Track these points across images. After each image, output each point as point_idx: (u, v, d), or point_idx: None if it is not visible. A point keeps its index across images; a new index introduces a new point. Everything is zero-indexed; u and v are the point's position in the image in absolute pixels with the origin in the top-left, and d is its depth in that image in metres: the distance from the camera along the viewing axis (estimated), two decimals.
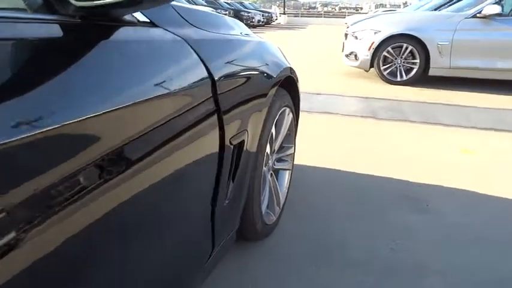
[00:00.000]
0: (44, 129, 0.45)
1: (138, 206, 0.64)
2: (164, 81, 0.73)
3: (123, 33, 0.71)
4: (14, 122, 0.42)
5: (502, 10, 4.44)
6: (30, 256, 0.44)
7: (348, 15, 19.26)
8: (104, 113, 0.54)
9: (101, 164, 0.53)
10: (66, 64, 0.55)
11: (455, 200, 1.93)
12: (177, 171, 0.76)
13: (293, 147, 1.74)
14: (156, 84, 0.70)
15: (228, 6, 17.83)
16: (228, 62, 1.03)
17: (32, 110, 0.45)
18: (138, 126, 0.62)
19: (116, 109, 0.56)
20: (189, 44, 0.88)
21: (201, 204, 0.93)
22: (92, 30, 0.67)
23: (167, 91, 0.72)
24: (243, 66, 1.13)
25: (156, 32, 0.81)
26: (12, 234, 0.41)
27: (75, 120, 0.49)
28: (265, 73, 1.28)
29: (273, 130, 1.41)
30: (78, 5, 0.61)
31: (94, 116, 0.53)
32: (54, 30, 0.60)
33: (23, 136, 0.42)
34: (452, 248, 1.53)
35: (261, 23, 19.24)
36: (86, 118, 0.51)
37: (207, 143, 0.89)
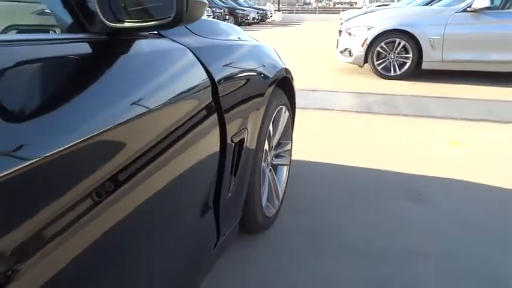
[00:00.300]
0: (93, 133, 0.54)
1: (152, 199, 0.73)
2: (172, 87, 0.82)
3: (139, 46, 0.81)
4: (61, 127, 0.51)
5: (491, 3, 4.54)
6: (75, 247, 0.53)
7: (343, 10, 19.32)
8: (129, 117, 0.64)
9: (129, 161, 0.63)
10: (101, 76, 0.65)
11: (447, 189, 2.02)
12: (186, 168, 0.85)
13: (290, 144, 1.83)
14: (166, 90, 0.78)
15: (223, 4, 17.83)
16: (227, 66, 1.12)
17: (75, 116, 0.54)
18: (154, 129, 0.71)
19: (136, 115, 0.66)
20: (191, 51, 0.97)
21: (206, 197, 1.02)
22: (116, 45, 0.77)
23: (175, 95, 0.81)
24: (241, 68, 1.22)
25: (163, 43, 0.90)
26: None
27: (113, 124, 0.59)
28: (262, 74, 1.37)
29: (271, 127, 1.49)
30: (111, 26, 0.70)
31: (127, 119, 0.63)
32: (87, 47, 0.69)
33: (69, 142, 0.51)
34: (444, 234, 1.63)
35: (255, 20, 19.26)
36: (120, 121, 0.62)
37: (211, 141, 0.98)
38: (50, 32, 0.78)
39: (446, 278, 1.37)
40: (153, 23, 0.72)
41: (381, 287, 1.33)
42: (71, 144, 0.52)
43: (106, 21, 0.69)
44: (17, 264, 0.45)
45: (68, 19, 0.73)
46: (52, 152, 0.49)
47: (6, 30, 0.76)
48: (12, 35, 0.76)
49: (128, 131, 0.65)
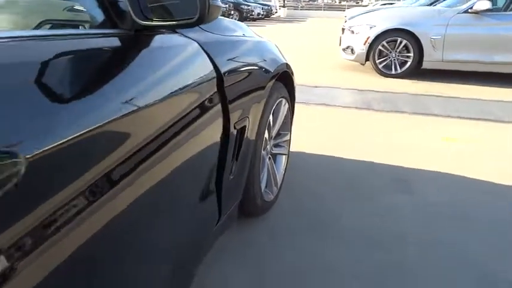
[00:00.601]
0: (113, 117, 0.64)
1: (163, 177, 0.82)
2: (184, 77, 0.93)
3: (158, 41, 0.92)
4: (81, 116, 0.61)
5: (493, 6, 4.62)
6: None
7: (348, 8, 19.32)
8: (149, 103, 0.75)
9: (148, 140, 0.73)
10: (129, 66, 0.75)
11: (439, 182, 2.13)
12: (193, 149, 0.96)
13: (289, 134, 1.94)
14: (179, 79, 0.89)
15: None
16: (232, 60, 1.22)
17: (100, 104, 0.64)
18: (167, 114, 0.82)
19: (154, 101, 0.77)
20: (201, 46, 1.08)
21: (210, 178, 1.13)
22: (142, 40, 0.88)
23: (187, 85, 0.91)
24: (245, 62, 1.33)
25: (175, 37, 1.01)
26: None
27: (136, 107, 0.70)
28: (264, 68, 1.47)
29: (271, 118, 1.60)
30: (142, 24, 0.81)
31: (147, 105, 0.73)
32: (118, 41, 0.80)
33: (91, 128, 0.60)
34: (432, 223, 1.74)
35: (260, 16, 19.30)
36: (141, 106, 0.72)
37: (216, 127, 1.09)
38: (80, 27, 0.89)
39: (430, 262, 1.49)
40: (178, 22, 0.84)
41: (373, 267, 1.45)
42: (109, 120, 0.62)
43: (137, 19, 0.81)
44: (17, 261, 0.45)
45: (101, 16, 0.84)
46: (91, 126, 0.59)
47: (41, 24, 0.87)
48: (52, 30, 0.87)
49: (145, 115, 0.75)
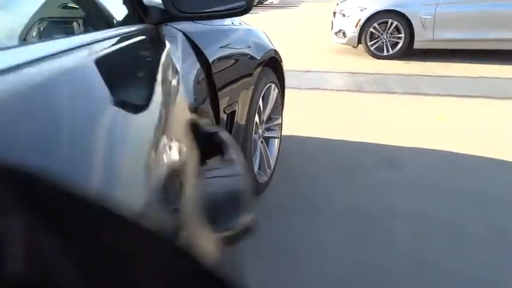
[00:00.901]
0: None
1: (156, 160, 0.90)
2: (172, 67, 0.99)
3: (164, 32, 0.99)
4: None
5: None
6: None
7: None
8: (143, 94, 0.80)
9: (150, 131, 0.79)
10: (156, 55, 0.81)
11: (428, 159, 2.21)
12: (185, 134, 1.03)
13: (280, 118, 2.01)
14: (170, 69, 0.96)
15: None
16: (220, 47, 1.29)
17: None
18: (160, 103, 0.88)
19: (149, 92, 0.82)
20: (189, 36, 1.14)
21: None
22: (157, 32, 0.95)
23: (179, 73, 0.98)
24: (232, 50, 1.40)
25: (165, 28, 1.07)
26: None
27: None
28: (251, 55, 1.54)
29: (261, 103, 1.67)
30: (181, 16, 0.87)
31: (142, 95, 0.79)
32: (142, 34, 0.86)
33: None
34: (417, 197, 1.83)
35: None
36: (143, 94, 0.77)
37: (206, 112, 1.16)
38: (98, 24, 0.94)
39: (416, 231, 1.58)
40: (225, 12, 0.91)
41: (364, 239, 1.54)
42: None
43: (171, 11, 0.86)
44: None
45: (125, 12, 0.90)
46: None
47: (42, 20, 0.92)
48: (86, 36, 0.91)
49: (143, 106, 0.81)
